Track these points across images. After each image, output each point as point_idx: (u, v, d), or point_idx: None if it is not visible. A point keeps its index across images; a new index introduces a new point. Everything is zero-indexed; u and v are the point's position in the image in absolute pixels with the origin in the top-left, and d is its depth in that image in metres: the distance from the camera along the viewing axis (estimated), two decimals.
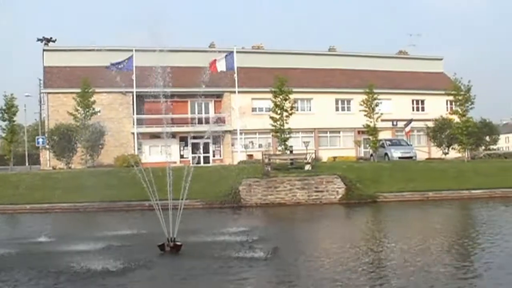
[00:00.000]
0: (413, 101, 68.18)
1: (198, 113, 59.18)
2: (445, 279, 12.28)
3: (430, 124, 57.70)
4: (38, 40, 62.93)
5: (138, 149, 53.42)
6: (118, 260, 14.27)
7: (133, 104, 53.96)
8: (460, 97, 45.24)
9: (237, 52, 52.07)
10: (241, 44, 62.36)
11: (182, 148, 58.34)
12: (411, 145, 53.57)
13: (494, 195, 33.40)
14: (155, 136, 48.67)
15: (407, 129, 59.12)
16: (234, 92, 52.52)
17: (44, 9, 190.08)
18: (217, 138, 59.39)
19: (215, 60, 50.12)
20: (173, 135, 52.36)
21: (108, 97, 53.28)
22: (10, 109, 45.55)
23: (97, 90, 47.56)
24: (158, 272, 13.74)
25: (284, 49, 68.46)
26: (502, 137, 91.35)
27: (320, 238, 20.25)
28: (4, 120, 45.68)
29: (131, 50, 49.89)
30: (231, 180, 32.49)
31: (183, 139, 57.55)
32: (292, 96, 44.41)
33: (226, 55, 50.77)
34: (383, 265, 14.26)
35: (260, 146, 58.55)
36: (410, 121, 59.69)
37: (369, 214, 28.59)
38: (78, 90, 46.87)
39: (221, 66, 50.14)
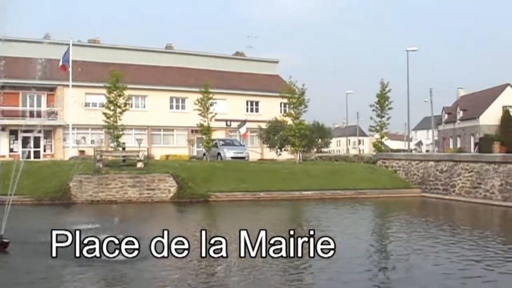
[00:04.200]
0: (247, 102, 69.49)
1: (30, 106, 57.37)
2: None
3: (264, 125, 58.95)
4: None
5: None
6: None
7: None
8: (294, 100, 45.91)
9: (73, 45, 50.85)
10: (77, 37, 61.09)
11: (12, 142, 56.21)
12: (244, 146, 54.39)
13: (324, 196, 34.51)
14: None
15: (243, 130, 60.11)
16: (68, 85, 51.25)
17: None
18: (48, 133, 57.88)
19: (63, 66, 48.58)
20: (3, 127, 50.54)
21: None
22: None
23: None
24: None
25: (121, 45, 67.63)
26: (333, 140, 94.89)
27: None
28: None
29: None
30: (62, 176, 31.77)
31: (13, 132, 55.46)
32: (126, 93, 43.81)
33: (66, 51, 49.33)
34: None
35: (92, 142, 57.80)
36: (244, 122, 60.74)
37: (200, 213, 28.75)
38: None
39: (61, 62, 48.63)
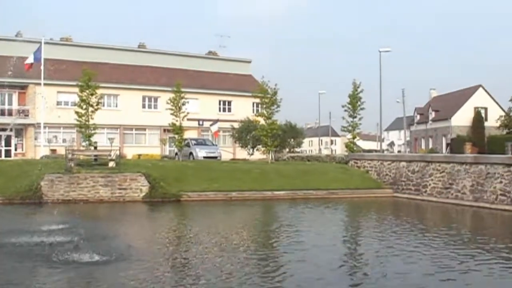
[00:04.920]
0: (220, 101, 69.63)
1: (1, 104, 57.05)
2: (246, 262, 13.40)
3: (236, 125, 59.02)
4: None
5: None
6: None
7: None
8: (266, 100, 45.89)
9: (45, 43, 50.51)
10: (50, 35, 60.71)
11: None
12: (216, 145, 54.50)
13: (296, 196, 34.50)
14: None
15: (214, 129, 60.17)
16: (40, 84, 50.87)
17: None
18: (19, 131, 57.53)
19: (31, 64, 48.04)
20: None
21: None
22: None
23: None
24: None
25: (94, 43, 67.52)
26: (306, 140, 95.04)
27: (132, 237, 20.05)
28: None
29: None
30: (33, 175, 31.55)
31: None
32: (99, 91, 43.63)
33: (38, 49, 48.87)
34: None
35: (64, 141, 57.46)
36: (216, 121, 60.86)
37: (171, 213, 28.68)
38: None
39: (30, 59, 48.11)
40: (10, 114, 55.66)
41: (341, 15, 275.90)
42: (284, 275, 13.25)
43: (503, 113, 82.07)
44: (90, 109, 42.04)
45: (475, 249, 17.09)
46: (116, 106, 63.34)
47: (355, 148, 48.95)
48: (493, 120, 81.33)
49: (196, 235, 19.76)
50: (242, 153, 59.59)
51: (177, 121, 45.44)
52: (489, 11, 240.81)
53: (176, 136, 46.71)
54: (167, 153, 61.13)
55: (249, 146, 56.50)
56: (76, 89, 43.52)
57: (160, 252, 15.76)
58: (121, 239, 18.16)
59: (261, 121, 47.87)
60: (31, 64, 46.85)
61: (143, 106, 65.11)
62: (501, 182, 29.14)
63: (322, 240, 19.00)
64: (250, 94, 55.46)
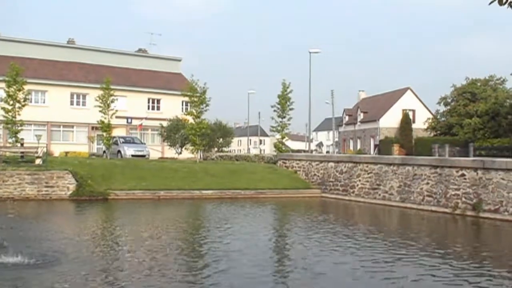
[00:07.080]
0: (149, 99, 69.24)
1: None
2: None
3: (165, 123, 58.91)
4: None
5: None
6: None
7: None
8: (195, 99, 45.82)
9: None
10: None
11: None
12: (144, 144, 54.32)
13: (224, 196, 34.83)
14: None
15: (141, 123, 60.33)
16: None
17: None
18: None
19: None
20: None
21: None
22: None
23: None
24: None
25: (21, 38, 66.33)
26: (235, 140, 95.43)
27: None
28: None
29: None
30: None
31: None
32: (26, 87, 43.04)
33: None
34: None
35: None
36: (144, 119, 60.80)
37: (98, 212, 28.49)
38: None
39: None
40: None
41: (271, 16, 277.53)
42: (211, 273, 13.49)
43: (430, 116, 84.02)
44: (17, 105, 41.46)
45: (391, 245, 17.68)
46: (44, 102, 62.37)
47: (283, 148, 49.45)
48: (420, 122, 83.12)
49: (122, 235, 19.82)
50: (170, 152, 59.48)
51: (105, 118, 45.01)
52: (419, 17, 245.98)
53: (104, 133, 46.26)
54: (95, 151, 60.60)
55: (177, 145, 56.42)
56: (3, 85, 42.83)
57: (86, 255, 15.61)
58: (47, 239, 18.01)
59: (190, 120, 47.86)
60: None
61: (71, 103, 64.24)
62: (427, 183, 30.05)
63: (247, 238, 19.25)
64: (179, 93, 55.44)
